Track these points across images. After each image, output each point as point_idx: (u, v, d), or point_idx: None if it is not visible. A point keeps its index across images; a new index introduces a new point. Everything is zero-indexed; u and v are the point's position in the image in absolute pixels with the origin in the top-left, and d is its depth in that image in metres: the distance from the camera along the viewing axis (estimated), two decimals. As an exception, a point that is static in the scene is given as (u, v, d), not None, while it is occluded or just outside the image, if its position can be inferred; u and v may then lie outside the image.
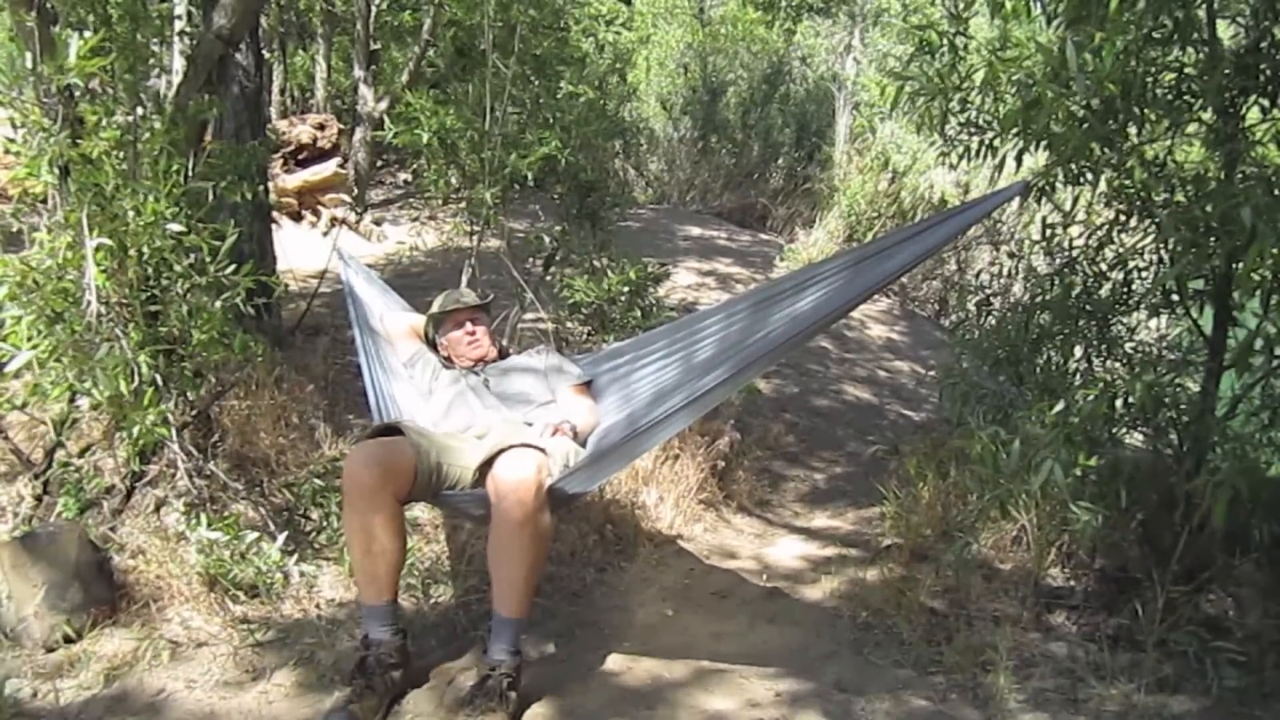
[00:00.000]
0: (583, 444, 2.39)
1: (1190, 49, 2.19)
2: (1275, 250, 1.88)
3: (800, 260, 6.94)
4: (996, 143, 2.48)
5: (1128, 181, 2.31)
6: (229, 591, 2.42)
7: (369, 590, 2.12)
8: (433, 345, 2.75)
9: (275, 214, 5.27)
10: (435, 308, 2.71)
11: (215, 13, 2.94)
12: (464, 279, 3.75)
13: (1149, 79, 2.19)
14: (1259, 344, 2.12)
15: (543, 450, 2.21)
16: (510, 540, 2.06)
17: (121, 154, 2.42)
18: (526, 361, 2.66)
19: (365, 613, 2.14)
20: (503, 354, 2.75)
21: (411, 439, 2.21)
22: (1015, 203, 2.67)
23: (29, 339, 2.21)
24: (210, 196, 2.62)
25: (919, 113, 2.41)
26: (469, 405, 2.49)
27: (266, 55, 6.41)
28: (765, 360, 2.26)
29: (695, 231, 8.00)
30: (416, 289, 3.16)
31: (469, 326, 2.65)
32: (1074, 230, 2.69)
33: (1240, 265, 2.08)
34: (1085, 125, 2.12)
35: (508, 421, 2.41)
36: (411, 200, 7.46)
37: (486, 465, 2.17)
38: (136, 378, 2.36)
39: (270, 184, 4.73)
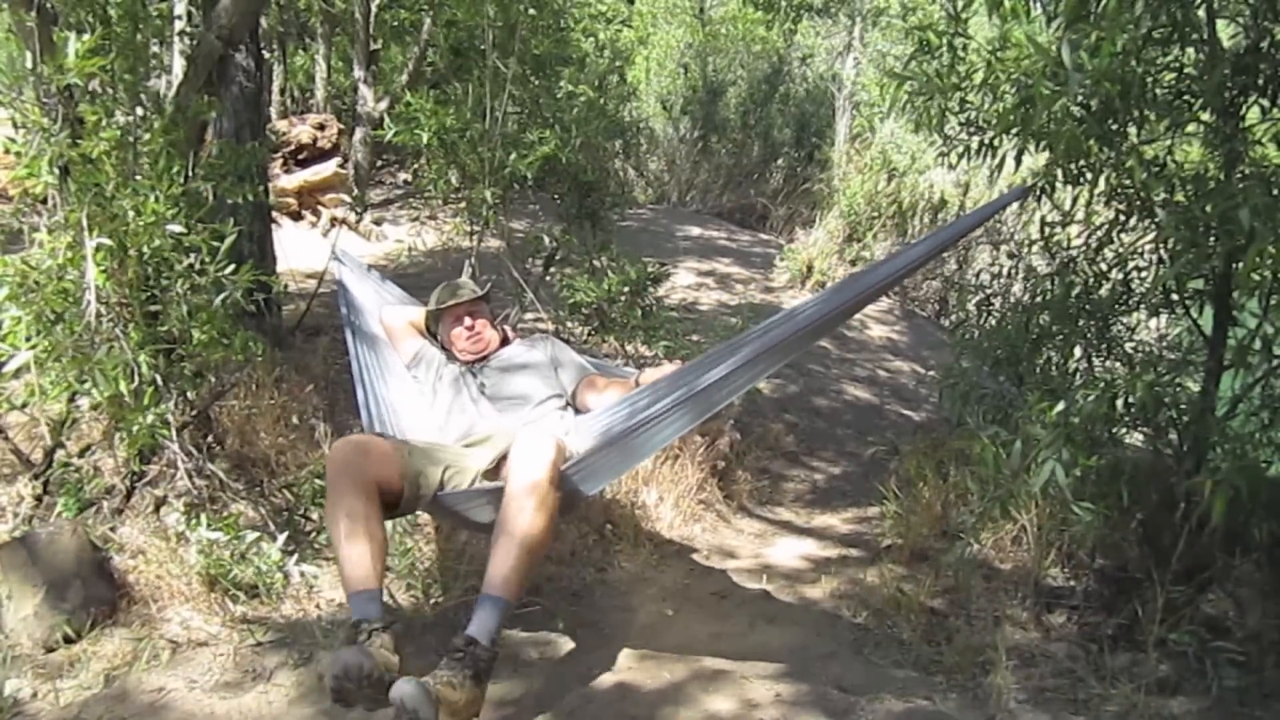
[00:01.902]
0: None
1: (1190, 49, 2.19)
2: (1274, 250, 1.88)
3: (800, 260, 6.94)
4: (996, 142, 2.48)
5: (1127, 181, 2.31)
6: (229, 591, 2.42)
7: (355, 576, 1.94)
8: (435, 336, 2.73)
9: (275, 214, 5.27)
10: (432, 303, 2.68)
11: (215, 13, 2.94)
12: (465, 279, 3.76)
13: (1148, 79, 2.19)
14: (1257, 344, 2.12)
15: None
16: (518, 508, 1.98)
17: (121, 154, 2.42)
18: (525, 356, 2.62)
19: (353, 600, 1.95)
20: (505, 340, 2.71)
21: (394, 441, 2.21)
22: (1015, 203, 2.69)
23: (28, 339, 2.21)
24: (210, 196, 2.62)
25: (918, 112, 2.41)
26: (467, 412, 2.48)
27: (266, 55, 6.42)
28: (766, 358, 2.23)
29: (695, 231, 8.00)
30: (417, 289, 3.16)
31: (468, 321, 2.61)
32: (1073, 230, 2.69)
33: (1240, 265, 2.09)
34: (1082, 124, 2.12)
35: (504, 430, 2.39)
36: (411, 200, 7.46)
37: (503, 457, 2.17)
38: (136, 378, 2.36)
39: (270, 184, 4.73)
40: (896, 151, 7.70)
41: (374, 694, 1.74)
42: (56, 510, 2.55)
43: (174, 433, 2.56)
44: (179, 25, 2.94)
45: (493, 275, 3.88)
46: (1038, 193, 2.50)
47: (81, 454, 2.69)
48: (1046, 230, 2.68)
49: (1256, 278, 2.02)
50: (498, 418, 2.45)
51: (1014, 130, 2.26)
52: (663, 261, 4.63)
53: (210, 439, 2.84)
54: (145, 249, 2.43)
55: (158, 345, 2.48)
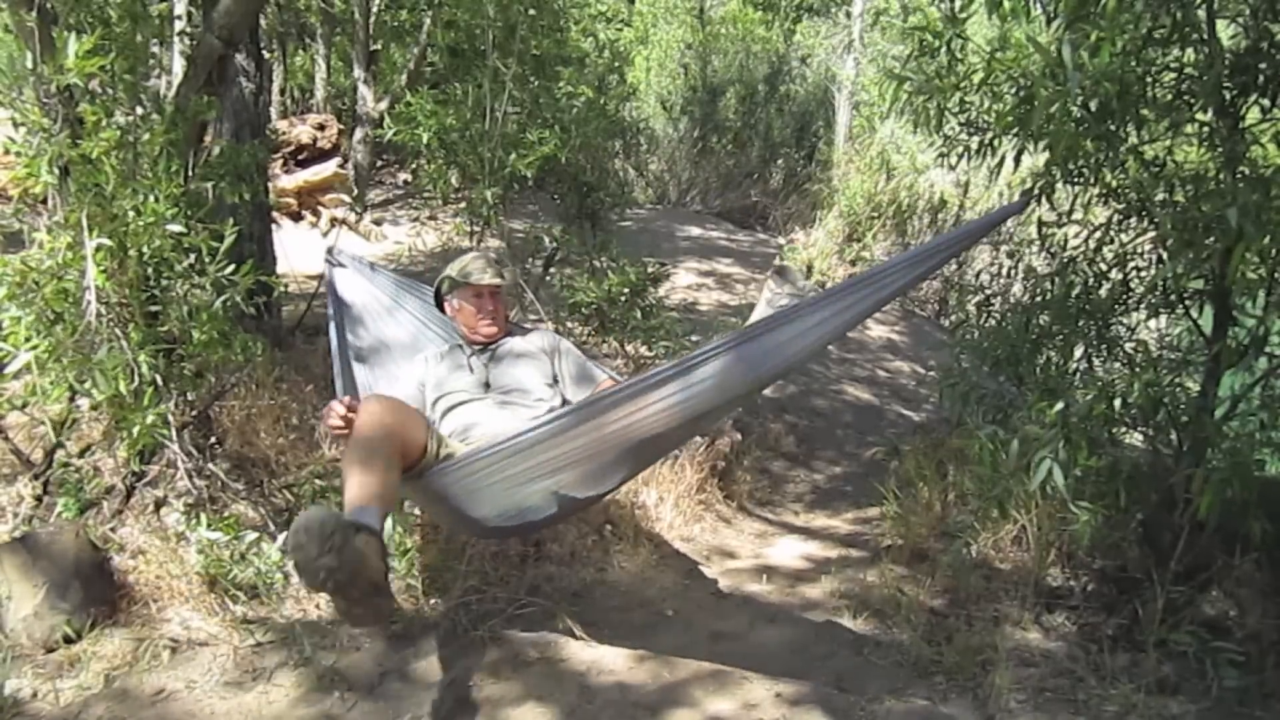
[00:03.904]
0: None
1: (1190, 49, 2.19)
2: (1271, 248, 1.88)
3: (800, 260, 6.95)
4: (995, 143, 2.48)
5: (1126, 181, 2.32)
6: (229, 591, 2.42)
7: (356, 496, 1.80)
8: (439, 303, 2.68)
9: (275, 214, 5.27)
10: (456, 270, 2.58)
11: (215, 13, 2.94)
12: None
13: (1148, 79, 2.19)
14: (1253, 343, 2.13)
15: None
16: None
17: (121, 154, 2.42)
18: (524, 346, 2.59)
19: (354, 511, 1.78)
20: (509, 331, 2.66)
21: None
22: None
23: (28, 339, 2.21)
24: (210, 196, 2.62)
25: (917, 112, 2.41)
26: (467, 408, 2.46)
27: (266, 55, 6.42)
28: (760, 370, 2.11)
29: (695, 231, 8.00)
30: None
31: (490, 305, 2.56)
32: (1072, 230, 2.69)
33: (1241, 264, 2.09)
34: (1081, 124, 2.13)
35: (502, 431, 2.33)
36: (411, 200, 7.46)
37: None
38: (136, 378, 2.36)
39: (270, 184, 4.73)
40: (896, 151, 7.70)
41: (332, 563, 1.59)
42: (57, 510, 2.55)
43: (174, 433, 2.56)
44: (179, 25, 2.94)
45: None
46: (1036, 193, 2.50)
47: (81, 454, 2.70)
48: (1044, 230, 2.68)
49: (1253, 276, 2.02)
50: (497, 414, 2.43)
51: (1013, 130, 2.25)
52: (663, 262, 4.63)
53: (210, 439, 2.84)
54: (145, 249, 2.43)
55: (158, 345, 2.48)
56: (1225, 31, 2.24)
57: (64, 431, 2.64)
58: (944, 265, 2.50)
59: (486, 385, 2.51)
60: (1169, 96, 2.25)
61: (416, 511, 2.94)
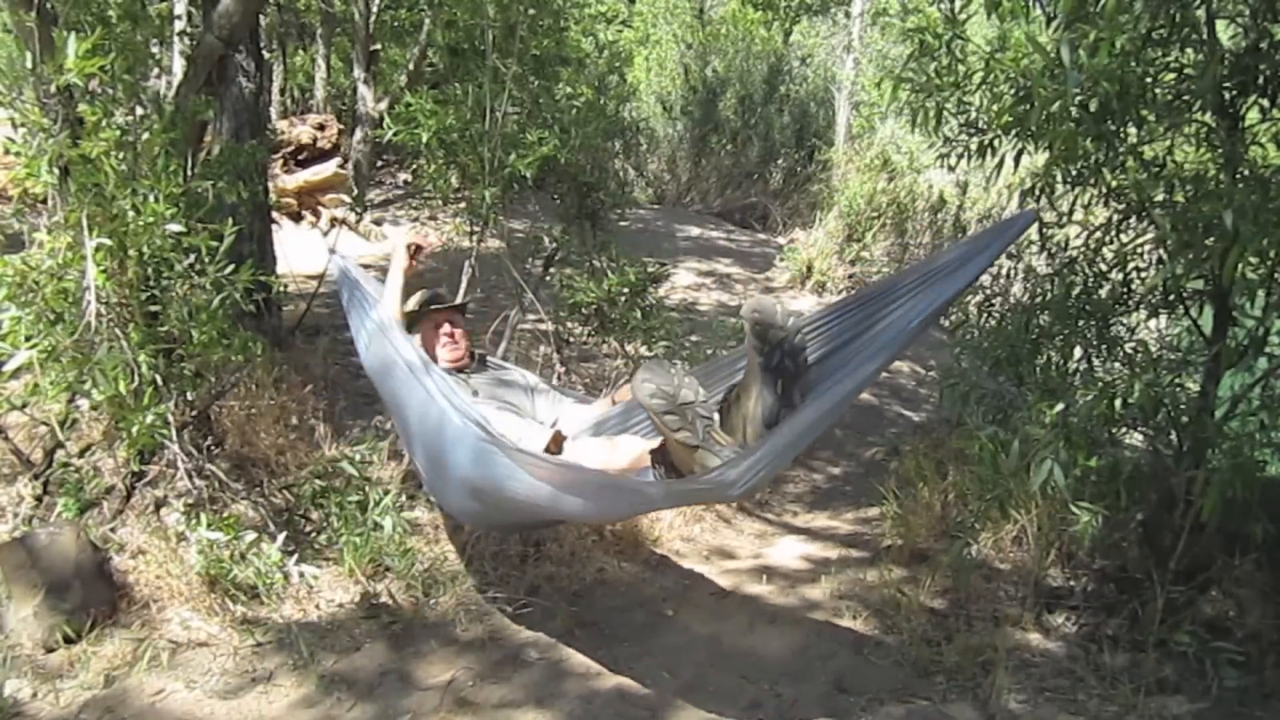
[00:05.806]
0: None
1: (1189, 49, 2.19)
2: (1271, 249, 1.88)
3: (800, 260, 6.94)
4: (995, 143, 2.48)
5: (1125, 181, 2.32)
6: (229, 592, 2.42)
7: None
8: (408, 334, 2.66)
9: (275, 214, 5.26)
10: (412, 304, 2.62)
11: (215, 13, 2.94)
12: (464, 279, 3.75)
13: (1147, 79, 2.19)
14: (1253, 343, 2.13)
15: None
16: None
17: (121, 154, 2.42)
18: (506, 375, 2.62)
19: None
20: (475, 358, 2.64)
21: None
22: (1014, 202, 2.67)
23: (28, 339, 2.21)
24: (210, 196, 2.61)
25: (916, 112, 2.41)
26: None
27: (266, 55, 6.42)
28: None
29: (695, 231, 8.00)
30: (416, 289, 3.15)
31: (447, 328, 2.57)
32: (1072, 230, 2.69)
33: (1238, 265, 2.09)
34: (1080, 124, 2.12)
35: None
36: (411, 200, 7.46)
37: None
38: (136, 378, 2.36)
39: (270, 184, 4.73)
40: (896, 151, 7.69)
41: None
42: (57, 510, 2.55)
43: (174, 433, 2.56)
44: (179, 25, 2.94)
45: (493, 275, 3.87)
46: (1036, 194, 2.50)
47: (81, 454, 2.69)
48: (1044, 230, 2.68)
49: (1252, 276, 2.02)
50: (495, 414, 2.42)
51: (1013, 130, 2.26)
52: (662, 261, 4.63)
53: (210, 439, 2.84)
54: (145, 249, 2.43)
55: (158, 345, 2.48)
56: (1225, 31, 2.24)
57: (64, 431, 2.64)
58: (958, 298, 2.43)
59: (475, 393, 2.49)
60: (1168, 96, 2.25)
61: (417, 512, 2.94)
